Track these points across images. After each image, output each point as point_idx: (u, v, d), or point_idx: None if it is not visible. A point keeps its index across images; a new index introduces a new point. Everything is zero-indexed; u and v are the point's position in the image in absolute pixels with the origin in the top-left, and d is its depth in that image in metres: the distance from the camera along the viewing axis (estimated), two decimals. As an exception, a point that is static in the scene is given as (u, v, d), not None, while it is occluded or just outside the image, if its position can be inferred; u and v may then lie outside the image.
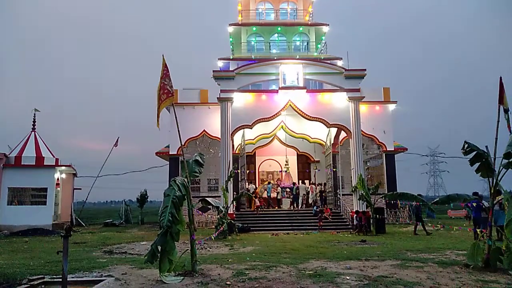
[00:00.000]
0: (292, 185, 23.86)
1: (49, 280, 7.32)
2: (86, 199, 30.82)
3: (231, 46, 30.23)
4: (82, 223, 25.86)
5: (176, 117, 8.88)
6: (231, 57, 27.98)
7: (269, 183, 25.30)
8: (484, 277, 7.27)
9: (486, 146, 8.54)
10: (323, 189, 23.77)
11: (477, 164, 8.48)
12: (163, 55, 8.41)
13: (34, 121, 23.72)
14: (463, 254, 9.88)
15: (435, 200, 10.07)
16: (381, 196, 18.47)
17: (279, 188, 24.01)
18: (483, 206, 12.76)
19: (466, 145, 8.49)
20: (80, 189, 28.87)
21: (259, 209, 21.88)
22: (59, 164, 23.12)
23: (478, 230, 13.19)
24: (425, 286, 6.56)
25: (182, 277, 7.31)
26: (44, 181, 21.86)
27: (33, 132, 23.49)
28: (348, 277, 7.31)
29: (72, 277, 7.41)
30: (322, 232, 17.91)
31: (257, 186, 26.11)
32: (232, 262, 9.19)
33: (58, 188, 23.20)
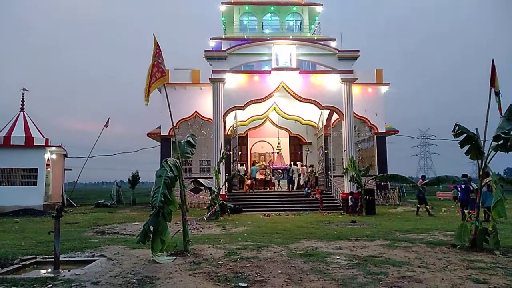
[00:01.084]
0: (288, 166, 24.00)
1: (41, 260, 7.34)
2: (77, 179, 30.72)
3: (223, 26, 29.74)
4: (74, 204, 25.80)
5: (167, 98, 8.78)
6: (223, 37, 27.58)
7: (253, 164, 25.35)
8: (470, 256, 7.44)
9: (476, 129, 8.62)
10: (310, 171, 23.87)
11: (467, 146, 8.57)
12: (154, 34, 8.26)
13: (22, 101, 23.30)
14: (450, 234, 10.08)
15: (424, 181, 10.21)
16: (371, 177, 18.64)
17: (267, 170, 24.09)
18: (471, 188, 13.00)
19: (456, 128, 8.55)
20: (71, 169, 28.70)
21: (252, 189, 22.12)
22: (49, 144, 22.86)
23: (465, 211, 13.44)
24: (413, 265, 6.70)
25: (174, 257, 7.37)
26: (34, 162, 21.64)
27: (22, 112, 23.10)
28: (338, 257, 7.44)
29: (64, 257, 7.43)
30: (314, 213, 18.12)
31: (248, 167, 26.18)
32: (224, 242, 9.28)
33: (49, 169, 23.01)
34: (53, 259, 6.64)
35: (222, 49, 23.79)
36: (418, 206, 17.30)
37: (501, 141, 8.12)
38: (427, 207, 16.92)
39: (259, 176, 23.87)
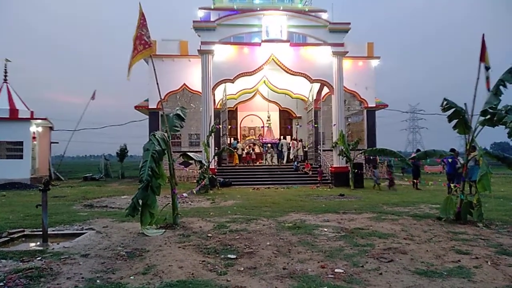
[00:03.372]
0: (278, 140, 24.04)
1: (30, 233, 7.30)
2: (64, 153, 30.38)
3: (213, -4, 28.93)
4: (61, 177, 25.63)
5: (154, 70, 8.58)
6: (212, 7, 26.85)
7: (235, 139, 25.33)
8: (455, 229, 7.63)
9: (465, 104, 8.65)
10: (298, 145, 24.03)
11: (454, 121, 8.62)
12: (139, 3, 7.97)
13: (5, 72, 22.67)
14: (436, 207, 10.30)
15: (412, 155, 10.33)
16: (360, 152, 18.80)
17: (256, 144, 24.19)
18: (458, 162, 13.21)
19: (445, 102, 8.58)
20: (57, 142, 28.35)
21: (248, 162, 22.43)
22: (34, 117, 22.45)
23: (452, 184, 13.69)
24: (399, 237, 6.85)
25: (163, 230, 7.41)
26: (19, 135, 21.32)
27: (5, 84, 22.53)
28: (326, 229, 7.56)
29: (53, 230, 7.41)
30: (303, 187, 18.32)
31: (239, 141, 26.17)
32: (214, 216, 9.35)
33: (35, 142, 22.70)
34: (41, 232, 6.61)
35: (211, 19, 23.25)
36: (414, 180, 17.39)
37: (488, 116, 8.18)
38: (415, 180, 17.20)
39: (247, 150, 23.99)
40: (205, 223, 8.31)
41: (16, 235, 7.05)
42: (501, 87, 8.35)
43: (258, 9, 22.24)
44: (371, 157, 23.01)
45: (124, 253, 5.79)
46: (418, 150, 16.65)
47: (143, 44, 7.78)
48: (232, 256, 5.58)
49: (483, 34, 8.81)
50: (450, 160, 13.90)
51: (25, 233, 7.31)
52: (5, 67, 22.65)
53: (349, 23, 20.20)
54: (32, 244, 6.68)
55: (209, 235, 7.06)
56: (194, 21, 20.46)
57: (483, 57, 8.64)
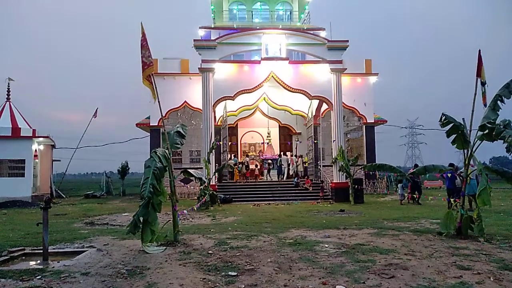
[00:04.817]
0: (278, 156, 24.11)
1: (30, 251, 7.29)
2: (66, 170, 30.45)
3: (213, 15, 29.44)
4: (62, 195, 25.60)
5: (156, 88, 8.70)
6: (213, 26, 27.34)
7: (235, 156, 25.41)
8: (456, 244, 7.60)
9: (463, 119, 8.74)
10: (298, 161, 24.07)
11: (453, 136, 8.69)
12: (141, 23, 8.14)
13: (8, 91, 22.91)
14: (437, 222, 10.26)
15: (411, 171, 10.36)
16: (360, 167, 18.83)
17: (249, 159, 24.24)
18: (457, 177, 13.21)
19: (443, 117, 8.66)
20: (59, 160, 28.44)
21: (247, 179, 22.66)
22: (36, 135, 22.58)
23: (451, 199, 13.66)
24: (400, 253, 6.82)
25: (164, 247, 7.39)
26: (21, 153, 21.40)
27: (8, 102, 22.74)
28: (326, 245, 7.54)
29: (53, 248, 7.40)
30: (304, 202, 18.27)
31: (239, 158, 26.24)
32: (214, 232, 9.33)
33: (37, 160, 22.78)
34: (41, 251, 6.61)
35: (212, 38, 23.61)
36: (413, 195, 17.28)
37: (487, 131, 8.25)
38: (414, 195, 17.15)
39: (252, 166, 24.02)
40: (206, 240, 8.29)
41: (16, 254, 7.04)
42: (498, 102, 8.45)
43: (258, 28, 22.64)
44: (371, 173, 23.04)
45: (124, 271, 5.78)
46: (416, 166, 16.70)
47: (142, 65, 8.00)
48: (233, 273, 5.57)
49: (479, 50, 8.96)
50: (449, 175, 13.91)
51: (25, 251, 7.29)
52: (8, 85, 22.91)
53: (347, 41, 20.49)
54: (32, 263, 6.66)
55: (210, 252, 7.05)
56: (195, 40, 20.78)
57: (479, 72, 8.77)
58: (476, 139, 8.50)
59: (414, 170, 10.25)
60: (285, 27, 23.41)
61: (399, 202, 17.21)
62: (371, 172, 22.91)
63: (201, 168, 18.91)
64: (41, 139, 23.09)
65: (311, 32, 22.98)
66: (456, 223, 8.47)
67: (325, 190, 20.60)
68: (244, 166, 23.25)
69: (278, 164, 23.30)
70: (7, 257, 6.78)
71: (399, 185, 17.63)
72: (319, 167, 22.69)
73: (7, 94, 22.80)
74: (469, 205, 12.37)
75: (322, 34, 24.87)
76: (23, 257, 7.06)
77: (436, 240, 8.02)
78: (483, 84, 8.67)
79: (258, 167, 23.92)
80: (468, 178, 9.20)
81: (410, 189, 17.44)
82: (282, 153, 25.57)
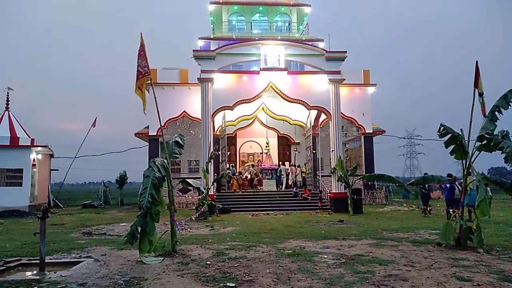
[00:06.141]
0: (276, 166, 24.09)
1: (26, 262, 7.23)
2: (64, 180, 30.30)
3: (212, 25, 29.68)
4: (60, 205, 25.46)
5: (155, 97, 8.74)
6: (212, 37, 27.53)
7: (232, 166, 25.37)
8: (455, 255, 7.57)
9: (461, 129, 8.77)
10: (297, 171, 24.03)
11: (452, 146, 8.71)
12: (141, 34, 8.20)
13: (7, 100, 22.93)
14: (436, 233, 10.23)
15: (410, 181, 10.36)
16: (359, 177, 18.81)
17: (254, 169, 24.19)
18: (456, 188, 13.20)
19: (442, 128, 8.69)
20: (57, 170, 28.34)
21: (245, 189, 22.60)
22: (34, 144, 22.55)
23: (450, 210, 13.64)
24: (400, 264, 6.79)
25: (162, 258, 7.34)
26: (19, 162, 21.34)
27: (6, 112, 22.75)
28: (325, 256, 7.50)
29: (50, 259, 7.34)
30: (302, 213, 18.21)
31: (237, 167, 26.21)
32: (213, 243, 9.28)
33: (35, 169, 22.70)
34: (38, 261, 6.55)
35: (211, 49, 23.74)
36: (424, 207, 16.72)
37: (485, 141, 8.28)
38: (425, 207, 16.64)
39: (248, 176, 23.95)
40: (204, 250, 8.24)
41: (12, 264, 6.97)
42: (496, 112, 8.50)
43: (257, 38, 22.80)
44: (370, 183, 23.03)
45: (122, 281, 5.73)
46: (426, 174, 16.33)
47: (137, 74, 8.03)
48: (231, 285, 5.53)
49: (476, 61, 9.03)
50: (448, 185, 13.91)
51: (22, 261, 7.23)
52: (7, 95, 22.94)
53: (345, 52, 20.65)
54: (29, 273, 6.60)
55: (208, 262, 7.00)
56: (194, 51, 20.92)
57: (477, 83, 8.84)
58: (475, 150, 8.53)
59: (413, 180, 10.24)
60: (284, 38, 23.59)
61: (422, 214, 16.53)
62: (369, 182, 22.91)
63: (200, 178, 18.86)
64: (39, 148, 23.04)
65: (310, 43, 23.16)
66: (455, 233, 8.45)
67: (323, 200, 20.55)
68: (240, 175, 23.22)
69: (278, 174, 23.28)
70: (3, 268, 6.71)
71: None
72: (317, 177, 22.66)
73: (6, 104, 22.82)
74: (469, 215, 12.34)
75: (321, 45, 25.06)
76: (20, 268, 7.00)
77: (435, 251, 7.99)
78: (480, 95, 8.73)
79: (252, 176, 23.80)
80: (468, 188, 9.22)
81: (422, 200, 17.03)
82: (281, 163, 25.56)
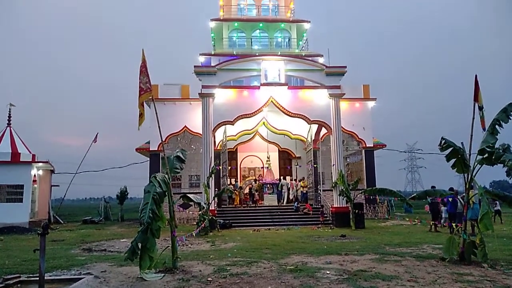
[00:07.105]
0: (278, 181, 24.05)
1: (26, 279, 7.15)
2: (64, 196, 30.17)
3: (213, 42, 30.03)
4: (60, 221, 25.33)
5: (156, 113, 8.80)
6: (213, 53, 27.81)
7: (236, 181, 25.32)
8: (459, 270, 7.49)
9: (462, 143, 8.80)
10: (298, 185, 23.98)
11: (453, 160, 8.70)
12: (143, 50, 8.30)
13: (9, 116, 23.07)
14: (439, 248, 10.13)
15: (412, 195, 10.31)
16: (360, 191, 18.73)
17: (254, 184, 24.14)
18: (458, 201, 13.14)
19: (443, 141, 8.70)
20: (58, 185, 28.26)
21: (246, 204, 22.57)
22: (35, 160, 22.56)
23: (453, 224, 13.54)
24: (403, 279, 6.71)
25: (163, 274, 7.27)
26: (20, 178, 21.31)
27: (8, 128, 22.85)
28: (328, 272, 7.42)
29: (50, 276, 7.27)
30: (304, 227, 18.08)
31: (239, 182, 26.12)
32: (214, 258, 9.19)
33: (35, 185, 22.65)
34: (38, 278, 6.48)
35: (212, 64, 23.97)
36: (433, 222, 16.31)
37: (486, 155, 8.28)
38: (434, 222, 16.24)
39: (247, 191, 23.86)
40: (205, 266, 8.16)
41: (12, 281, 6.90)
42: (496, 126, 8.52)
43: (257, 54, 23.05)
44: (372, 197, 22.91)
45: (122, 298, 5.66)
46: (433, 187, 16.07)
47: (139, 90, 8.10)
48: (233, 301, 5.46)
49: (476, 75, 9.09)
50: (450, 199, 13.85)
51: (21, 279, 7.15)
52: (9, 111, 23.08)
53: (345, 67, 20.81)
54: (28, 291, 6.54)
55: (209, 279, 6.93)
56: (195, 66, 21.10)
57: (476, 97, 8.88)
58: (476, 163, 8.52)
59: (415, 194, 10.19)
60: (284, 54, 23.83)
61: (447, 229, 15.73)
62: (371, 197, 22.80)
63: (201, 192, 18.80)
64: (40, 164, 23.04)
65: (310, 58, 23.39)
66: (459, 248, 8.37)
67: (325, 215, 20.42)
68: (241, 190, 23.13)
69: (279, 189, 23.19)
70: (2, 285, 6.64)
71: (443, 208, 16.58)
72: (319, 191, 22.57)
73: (8, 120, 22.93)
74: (472, 230, 12.24)
75: (320, 60, 25.29)
76: (19, 285, 6.92)
77: (439, 266, 7.91)
78: (480, 108, 8.76)
79: (253, 191, 23.70)
80: (471, 202, 9.18)
81: (432, 215, 16.68)
82: (282, 177, 25.50)
